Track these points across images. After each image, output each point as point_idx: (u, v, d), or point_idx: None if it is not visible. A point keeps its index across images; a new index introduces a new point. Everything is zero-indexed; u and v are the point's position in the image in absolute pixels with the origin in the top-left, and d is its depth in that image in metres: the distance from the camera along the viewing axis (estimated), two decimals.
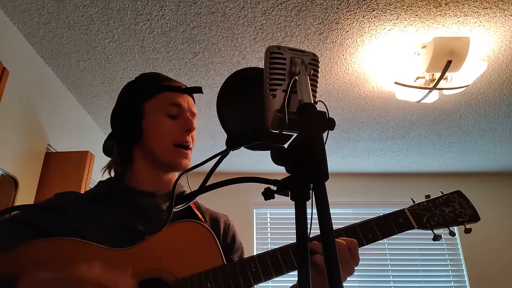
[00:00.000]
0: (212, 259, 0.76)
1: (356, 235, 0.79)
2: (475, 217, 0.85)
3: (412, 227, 0.84)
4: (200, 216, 0.91)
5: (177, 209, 0.73)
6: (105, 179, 0.93)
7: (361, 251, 0.76)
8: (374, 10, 1.93)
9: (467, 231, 0.84)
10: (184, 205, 0.74)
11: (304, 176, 0.49)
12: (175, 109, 0.88)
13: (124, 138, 0.89)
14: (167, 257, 0.75)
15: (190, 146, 0.88)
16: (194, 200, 0.97)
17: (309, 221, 0.49)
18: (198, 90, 0.92)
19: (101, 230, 0.77)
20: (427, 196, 0.89)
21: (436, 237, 0.83)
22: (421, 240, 4.11)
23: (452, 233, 0.83)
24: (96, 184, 0.94)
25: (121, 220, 0.80)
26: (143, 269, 0.73)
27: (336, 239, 0.73)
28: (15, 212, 0.81)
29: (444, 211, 0.86)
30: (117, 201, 0.84)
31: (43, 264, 0.69)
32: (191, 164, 0.84)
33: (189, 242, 0.77)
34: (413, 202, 0.89)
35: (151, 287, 0.73)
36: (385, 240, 4.20)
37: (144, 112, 0.87)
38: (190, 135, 0.88)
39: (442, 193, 0.89)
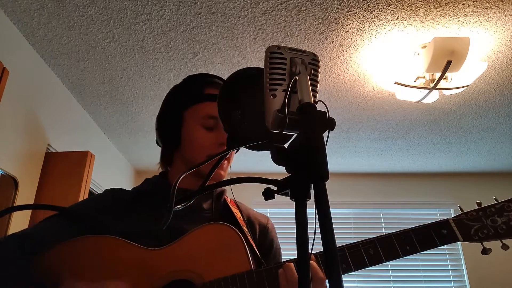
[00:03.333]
0: (240, 263, 0.76)
1: (391, 246, 0.74)
2: None
3: (456, 240, 0.74)
4: (239, 215, 0.92)
5: (178, 209, 0.73)
6: (151, 177, 0.97)
7: None
8: (374, 10, 1.93)
9: None
10: (184, 205, 0.74)
11: (304, 176, 0.48)
12: (211, 121, 0.88)
13: (166, 144, 0.92)
14: (197, 259, 0.77)
15: (227, 157, 0.88)
16: (234, 199, 0.98)
17: (313, 224, 0.49)
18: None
19: (141, 227, 0.80)
20: (479, 204, 0.78)
21: (486, 251, 0.73)
22: None
23: (505, 246, 0.72)
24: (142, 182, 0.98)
25: (160, 217, 0.83)
26: (174, 270, 0.75)
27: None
28: (66, 208, 0.86)
29: (497, 221, 0.74)
30: (159, 198, 0.87)
31: (84, 261, 0.73)
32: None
33: (218, 245, 0.78)
34: (461, 210, 0.78)
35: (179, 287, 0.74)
36: None
37: (183, 120, 0.89)
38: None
39: (496, 200, 0.77)
